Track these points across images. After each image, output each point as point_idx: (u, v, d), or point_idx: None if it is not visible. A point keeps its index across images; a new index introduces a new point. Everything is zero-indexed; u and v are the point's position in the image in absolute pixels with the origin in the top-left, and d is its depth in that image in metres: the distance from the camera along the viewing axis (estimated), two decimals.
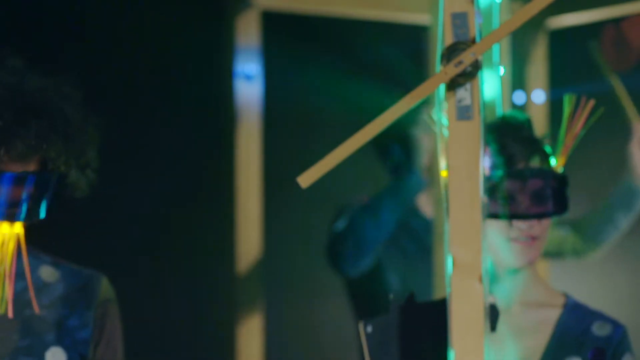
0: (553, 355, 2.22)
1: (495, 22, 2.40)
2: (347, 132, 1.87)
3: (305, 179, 1.85)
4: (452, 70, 1.84)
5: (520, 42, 3.51)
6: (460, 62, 1.84)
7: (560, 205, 2.23)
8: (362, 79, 3.80)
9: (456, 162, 1.86)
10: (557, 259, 3.45)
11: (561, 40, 3.67)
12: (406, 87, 1.94)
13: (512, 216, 2.20)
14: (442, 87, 1.87)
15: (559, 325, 2.25)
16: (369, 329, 1.99)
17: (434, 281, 3.31)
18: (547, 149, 2.26)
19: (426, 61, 3.38)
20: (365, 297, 3.70)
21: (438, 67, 1.87)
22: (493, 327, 2.12)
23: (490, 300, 2.10)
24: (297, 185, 1.84)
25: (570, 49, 3.79)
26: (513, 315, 2.27)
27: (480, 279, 1.84)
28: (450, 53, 1.84)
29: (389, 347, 1.98)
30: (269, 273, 3.65)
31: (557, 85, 3.60)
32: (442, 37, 1.87)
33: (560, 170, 2.26)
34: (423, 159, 3.54)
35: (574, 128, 2.26)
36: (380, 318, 2.00)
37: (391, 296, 2.03)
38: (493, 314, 2.11)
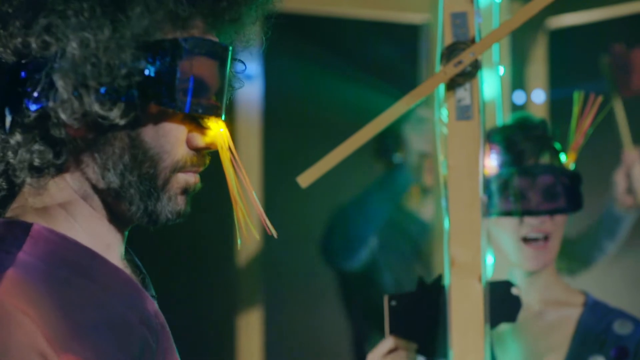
0: (576, 354, 2.21)
1: (495, 22, 2.40)
2: (347, 132, 1.87)
3: (305, 179, 1.86)
4: (452, 70, 1.84)
5: (520, 42, 3.51)
6: (459, 62, 1.84)
7: (573, 202, 2.23)
8: (362, 78, 3.80)
9: (456, 162, 1.86)
10: None
11: (561, 40, 3.67)
12: (406, 87, 1.94)
13: (524, 213, 2.20)
14: (441, 87, 1.87)
15: (581, 324, 2.25)
16: (393, 302, 2.04)
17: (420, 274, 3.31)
18: (557, 145, 2.26)
19: (427, 61, 3.38)
20: (361, 297, 3.71)
21: (438, 67, 1.87)
22: (514, 318, 2.12)
23: (515, 291, 2.11)
24: (297, 185, 1.85)
25: (570, 49, 3.79)
26: (534, 314, 2.27)
27: (480, 279, 1.84)
28: (450, 53, 1.84)
29: (408, 321, 2.03)
30: (268, 273, 3.65)
31: (557, 85, 3.61)
32: (441, 37, 1.87)
33: (571, 167, 2.26)
34: (413, 156, 3.55)
35: (583, 125, 2.26)
36: (404, 294, 2.06)
37: (419, 276, 2.09)
38: (515, 305, 2.12)
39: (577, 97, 2.27)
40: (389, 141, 3.61)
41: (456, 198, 1.86)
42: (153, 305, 1.32)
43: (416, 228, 3.63)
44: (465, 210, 1.85)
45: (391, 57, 3.95)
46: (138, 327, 1.27)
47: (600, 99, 2.26)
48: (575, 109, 2.27)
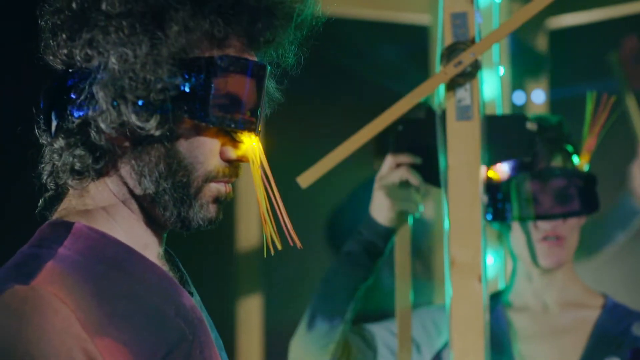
0: (592, 355, 2.20)
1: (495, 22, 2.40)
2: (347, 132, 1.87)
3: (305, 179, 1.86)
4: (452, 70, 1.84)
5: (520, 42, 3.51)
6: (459, 62, 1.84)
7: (588, 204, 2.21)
8: (362, 79, 3.80)
9: (456, 162, 1.86)
10: None
11: (561, 40, 3.67)
12: (408, 87, 1.94)
13: (536, 217, 2.18)
14: (442, 87, 1.87)
15: (598, 326, 2.23)
16: (400, 127, 2.10)
17: (433, 281, 3.31)
18: (569, 148, 2.23)
19: (427, 61, 3.38)
20: (366, 294, 3.72)
21: (438, 67, 1.87)
22: (529, 154, 2.11)
23: (529, 125, 2.08)
24: (297, 185, 1.84)
25: (570, 49, 3.79)
26: (551, 315, 2.26)
27: (480, 279, 1.84)
28: (450, 53, 1.85)
29: (413, 146, 2.09)
30: (268, 273, 3.65)
31: (557, 85, 3.60)
32: (442, 37, 1.87)
33: (585, 168, 2.24)
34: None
35: (596, 126, 2.24)
36: (412, 119, 2.09)
37: (427, 104, 2.12)
38: (530, 140, 2.09)
39: (590, 97, 2.25)
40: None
41: (456, 198, 1.86)
42: (190, 300, 1.37)
43: (420, 224, 3.64)
44: (465, 210, 1.85)
45: (392, 58, 3.95)
46: (174, 319, 1.32)
47: (613, 99, 2.23)
48: (588, 110, 2.24)
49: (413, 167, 2.09)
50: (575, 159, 2.23)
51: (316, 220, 3.82)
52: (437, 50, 1.89)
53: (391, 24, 3.70)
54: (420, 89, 1.86)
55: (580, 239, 3.35)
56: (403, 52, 3.90)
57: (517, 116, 2.10)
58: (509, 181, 2.19)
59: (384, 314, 3.64)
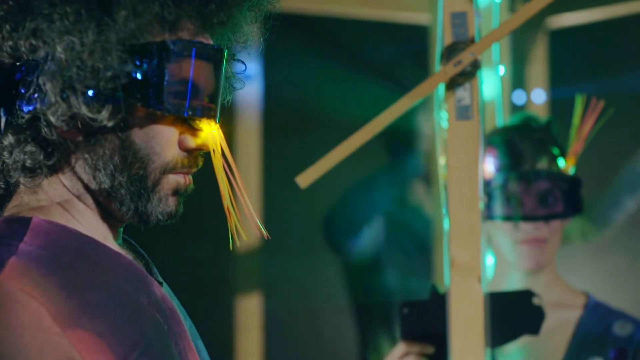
0: (575, 356, 2.20)
1: (495, 22, 2.40)
2: (347, 132, 1.87)
3: (304, 179, 1.85)
4: (452, 69, 1.84)
5: (520, 42, 3.50)
6: (459, 62, 1.83)
7: (572, 207, 2.21)
8: (362, 78, 3.80)
9: (456, 162, 1.86)
10: (564, 244, 3.44)
11: (561, 40, 3.67)
12: (406, 87, 1.94)
13: (519, 218, 2.18)
14: (441, 87, 1.87)
15: (580, 325, 2.24)
16: (405, 310, 2.05)
17: (433, 281, 3.31)
18: (555, 150, 2.23)
19: (427, 61, 3.38)
20: (364, 295, 3.71)
21: (437, 66, 1.87)
22: (537, 330, 2.08)
23: (536, 301, 2.08)
24: (296, 185, 1.84)
25: (570, 49, 3.79)
26: None
27: (480, 279, 1.84)
28: (450, 52, 1.84)
29: (420, 329, 2.03)
30: (268, 274, 3.65)
31: (557, 85, 3.60)
32: (441, 37, 1.87)
33: (570, 171, 2.23)
34: (423, 144, 3.55)
35: (584, 129, 2.24)
36: (417, 302, 2.05)
37: (432, 284, 2.08)
38: (538, 316, 2.08)
39: (579, 100, 2.25)
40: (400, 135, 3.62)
41: (456, 198, 1.86)
42: (160, 289, 1.32)
43: (421, 224, 3.64)
44: (465, 210, 1.85)
45: (391, 57, 3.95)
46: (147, 307, 1.26)
47: (602, 102, 2.24)
48: (577, 113, 2.24)
49: (422, 355, 2.04)
50: (561, 162, 2.23)
51: (315, 220, 3.82)
52: (437, 50, 1.89)
53: (391, 24, 3.70)
54: (419, 88, 1.86)
55: (589, 209, 3.34)
56: (403, 52, 3.90)
57: (524, 292, 2.08)
58: (493, 180, 2.19)
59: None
